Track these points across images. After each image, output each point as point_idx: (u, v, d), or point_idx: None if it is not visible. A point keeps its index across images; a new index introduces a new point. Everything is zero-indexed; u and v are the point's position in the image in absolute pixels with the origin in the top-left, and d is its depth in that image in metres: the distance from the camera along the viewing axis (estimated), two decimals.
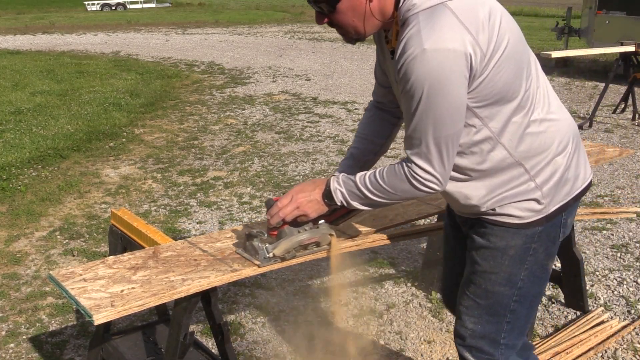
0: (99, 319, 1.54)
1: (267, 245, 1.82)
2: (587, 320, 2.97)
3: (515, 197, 1.65)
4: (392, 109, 1.91)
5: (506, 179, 1.63)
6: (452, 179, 1.66)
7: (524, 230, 1.67)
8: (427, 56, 1.40)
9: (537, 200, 1.65)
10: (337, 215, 1.89)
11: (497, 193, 1.65)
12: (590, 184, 1.79)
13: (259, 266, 1.81)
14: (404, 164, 1.60)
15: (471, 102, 1.52)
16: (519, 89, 1.55)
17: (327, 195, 1.73)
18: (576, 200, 1.74)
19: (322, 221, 1.86)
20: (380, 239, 2.13)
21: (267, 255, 1.81)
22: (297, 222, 1.82)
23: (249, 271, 1.82)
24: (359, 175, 1.69)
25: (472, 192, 1.67)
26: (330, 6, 1.56)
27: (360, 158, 1.92)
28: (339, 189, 1.71)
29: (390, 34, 1.62)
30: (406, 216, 2.28)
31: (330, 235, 1.89)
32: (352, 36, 1.64)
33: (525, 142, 1.61)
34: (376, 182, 1.65)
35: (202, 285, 1.74)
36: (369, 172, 1.68)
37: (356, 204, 1.71)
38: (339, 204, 1.72)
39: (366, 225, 2.17)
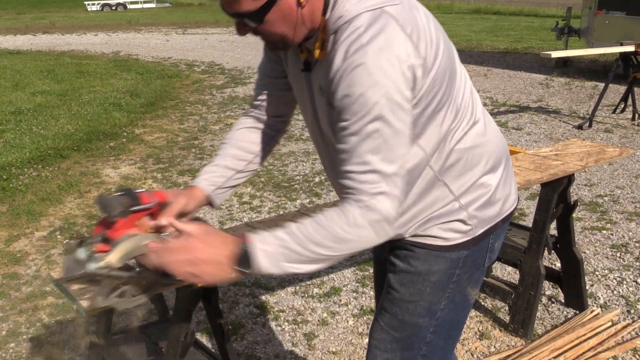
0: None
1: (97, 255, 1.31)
2: (587, 320, 2.97)
3: (439, 219, 1.48)
4: (272, 118, 1.67)
5: (429, 202, 1.47)
6: None
7: (449, 254, 1.51)
8: (372, 66, 1.22)
9: (462, 222, 1.49)
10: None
11: (420, 218, 1.48)
12: (517, 206, 1.65)
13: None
14: (355, 204, 1.26)
15: None
16: (451, 101, 1.39)
17: (242, 260, 1.26)
18: (505, 222, 1.58)
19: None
20: None
21: (99, 265, 1.30)
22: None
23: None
24: (291, 226, 1.28)
25: None
26: (258, 19, 1.32)
27: (231, 167, 1.64)
28: (264, 248, 1.25)
29: (310, 43, 1.41)
30: None
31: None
32: (278, 46, 1.41)
33: (451, 160, 1.44)
34: (322, 231, 1.26)
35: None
36: (298, 224, 1.28)
37: (289, 267, 1.27)
38: (260, 271, 1.26)
39: None
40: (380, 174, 1.25)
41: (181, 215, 1.53)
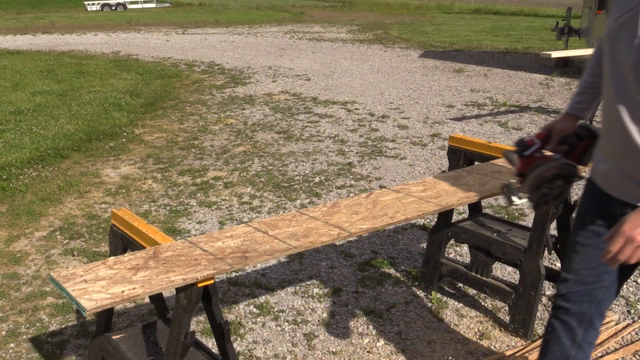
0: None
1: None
2: None
3: None
4: None
5: None
6: None
7: None
8: None
9: None
10: (580, 151, 2.09)
11: None
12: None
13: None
14: None
15: None
16: None
17: None
18: None
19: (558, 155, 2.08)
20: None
21: (520, 195, 2.16)
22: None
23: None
24: None
25: None
26: None
27: (590, 88, 2.00)
28: None
29: None
30: (407, 214, 2.29)
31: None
32: None
33: None
34: None
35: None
36: None
37: None
38: None
39: (367, 223, 2.17)
40: None
41: (564, 137, 2.08)
